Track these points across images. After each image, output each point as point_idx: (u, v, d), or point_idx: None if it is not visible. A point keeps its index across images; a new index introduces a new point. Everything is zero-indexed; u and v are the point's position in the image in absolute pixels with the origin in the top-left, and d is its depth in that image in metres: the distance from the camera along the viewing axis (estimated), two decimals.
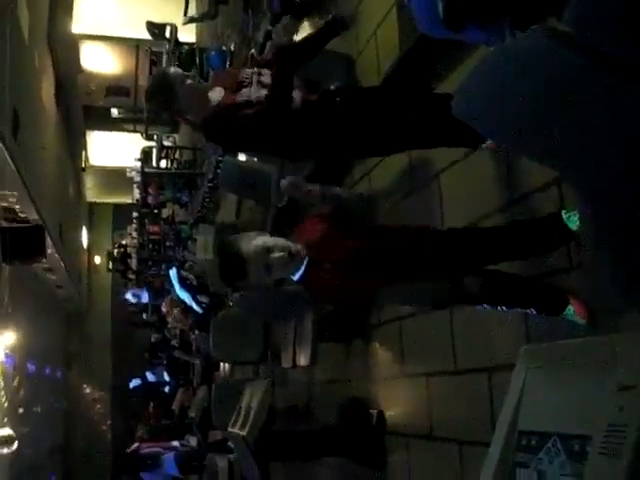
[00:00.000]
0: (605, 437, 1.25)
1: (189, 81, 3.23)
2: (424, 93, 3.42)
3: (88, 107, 16.33)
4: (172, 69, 3.38)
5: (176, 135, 14.88)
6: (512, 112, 1.86)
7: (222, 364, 9.84)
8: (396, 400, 4.56)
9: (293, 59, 3.14)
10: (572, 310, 2.63)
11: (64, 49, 12.62)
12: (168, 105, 3.26)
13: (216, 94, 3.23)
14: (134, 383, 16.37)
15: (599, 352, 1.42)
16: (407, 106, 3.19)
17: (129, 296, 16.55)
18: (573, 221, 2.55)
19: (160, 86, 3.26)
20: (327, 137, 3.18)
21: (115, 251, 18.67)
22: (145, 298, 15.98)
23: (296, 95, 3.12)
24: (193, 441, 10.35)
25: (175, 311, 11.13)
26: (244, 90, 3.17)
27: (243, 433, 4.79)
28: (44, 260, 11.33)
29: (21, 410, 13.09)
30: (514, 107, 1.84)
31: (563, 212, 2.61)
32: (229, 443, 7.35)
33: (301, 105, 3.11)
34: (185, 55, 9.41)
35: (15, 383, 12.74)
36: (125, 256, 17.75)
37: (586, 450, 1.31)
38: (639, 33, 1.58)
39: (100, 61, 14.75)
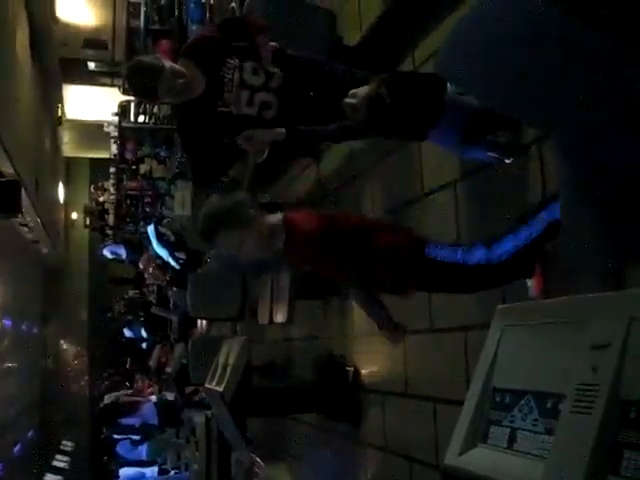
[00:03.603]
0: (578, 396, 1.26)
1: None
2: None
3: (64, 60, 16.01)
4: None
5: None
6: (496, 70, 1.84)
7: (199, 321, 9.86)
8: (372, 358, 4.59)
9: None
10: (530, 284, 2.67)
11: None
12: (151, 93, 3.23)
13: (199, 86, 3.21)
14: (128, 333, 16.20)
15: (574, 311, 1.43)
16: None
17: (107, 252, 16.42)
18: None
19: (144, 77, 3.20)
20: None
21: (92, 205, 18.48)
22: (123, 254, 15.88)
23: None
24: (170, 397, 10.41)
25: (152, 268, 11.11)
26: (226, 95, 3.16)
27: (220, 389, 4.81)
28: (20, 215, 11.21)
29: None
30: (498, 64, 1.82)
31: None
32: (206, 399, 7.39)
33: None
34: (163, 7, 9.23)
35: None
36: (102, 212, 17.60)
37: (559, 408, 1.31)
38: None
39: (76, 12, 14.42)
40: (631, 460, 1.12)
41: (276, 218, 2.66)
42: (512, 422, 1.44)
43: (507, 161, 2.88)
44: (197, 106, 3.21)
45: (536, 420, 1.38)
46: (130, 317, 15.38)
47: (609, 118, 1.78)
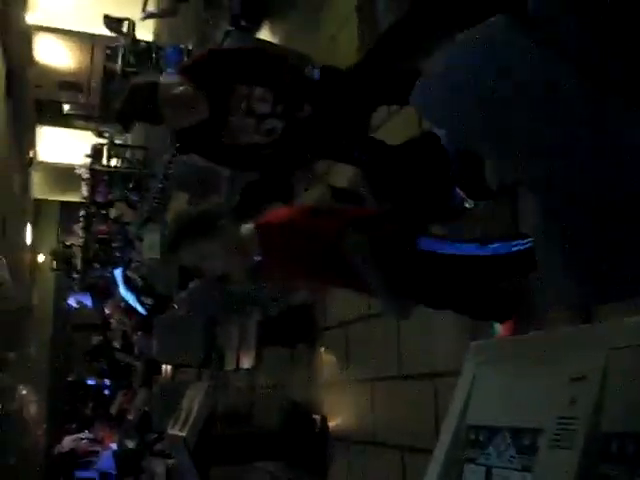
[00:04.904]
0: (556, 430, 1.22)
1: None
2: None
3: (39, 101, 15.98)
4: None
5: (128, 135, 14.67)
6: (467, 109, 1.83)
7: (164, 367, 9.68)
8: (340, 406, 4.51)
9: None
10: (498, 328, 2.63)
11: (16, 39, 12.35)
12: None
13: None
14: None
15: (551, 345, 1.39)
16: None
17: (72, 302, 16.23)
18: None
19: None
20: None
21: (60, 249, 18.28)
22: (89, 303, 15.69)
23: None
24: (131, 445, 10.15)
25: (118, 312, 10.96)
26: (231, 124, 2.96)
27: (183, 434, 4.69)
28: None
29: None
30: (469, 104, 1.81)
31: None
32: (167, 450, 7.19)
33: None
34: (141, 52, 9.28)
35: None
36: (70, 256, 17.40)
37: (536, 443, 1.27)
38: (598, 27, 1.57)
39: (54, 54, 14.44)
40: None
41: (249, 229, 2.46)
42: (487, 459, 1.39)
43: (469, 204, 2.86)
44: (199, 134, 3.00)
45: (513, 457, 1.32)
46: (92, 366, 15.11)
47: (582, 162, 1.77)
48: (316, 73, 3.00)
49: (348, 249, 2.36)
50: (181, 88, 2.91)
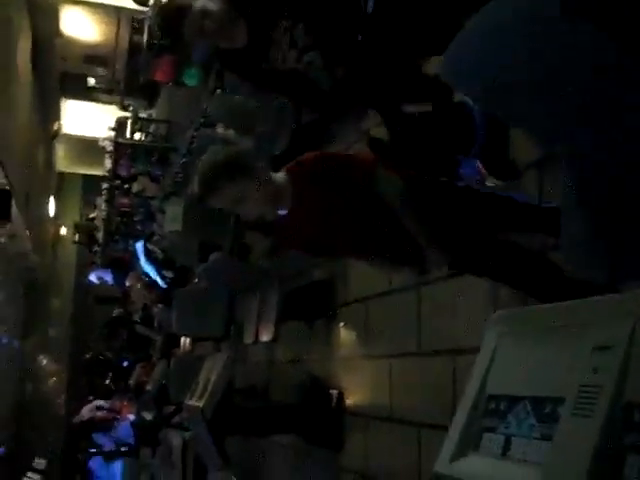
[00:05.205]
0: (578, 398, 1.20)
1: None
2: None
3: (64, 74, 16.02)
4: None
5: (152, 111, 14.69)
6: (497, 72, 1.80)
7: (183, 340, 9.75)
8: (357, 381, 4.51)
9: None
10: None
11: (43, 11, 12.36)
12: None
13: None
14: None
15: (574, 315, 1.37)
16: None
17: (93, 278, 16.36)
18: None
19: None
20: None
21: (83, 222, 18.41)
22: (109, 279, 15.80)
23: None
24: (148, 416, 10.26)
25: (139, 285, 11.03)
26: (271, 55, 2.91)
27: (200, 405, 4.72)
28: (8, 225, 11.13)
29: None
30: (498, 65, 1.78)
31: None
32: (184, 423, 7.24)
33: None
34: None
35: None
36: (92, 230, 17.51)
37: (557, 412, 1.25)
38: None
39: (80, 27, 14.43)
40: (635, 465, 1.06)
41: (280, 176, 2.37)
42: (507, 429, 1.38)
43: (490, 183, 2.81)
44: (238, 59, 2.99)
45: (533, 426, 1.31)
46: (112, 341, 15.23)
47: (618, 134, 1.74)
48: (370, 2, 2.80)
49: (382, 185, 2.28)
50: (215, 15, 2.83)
